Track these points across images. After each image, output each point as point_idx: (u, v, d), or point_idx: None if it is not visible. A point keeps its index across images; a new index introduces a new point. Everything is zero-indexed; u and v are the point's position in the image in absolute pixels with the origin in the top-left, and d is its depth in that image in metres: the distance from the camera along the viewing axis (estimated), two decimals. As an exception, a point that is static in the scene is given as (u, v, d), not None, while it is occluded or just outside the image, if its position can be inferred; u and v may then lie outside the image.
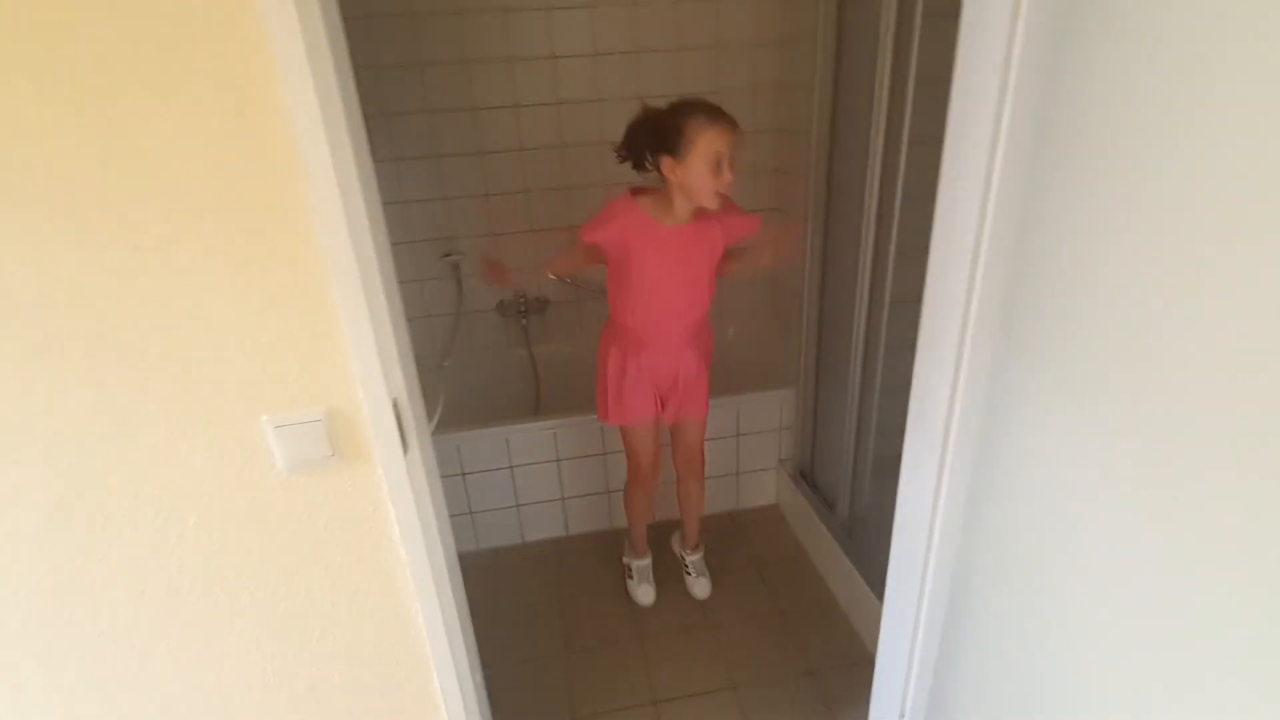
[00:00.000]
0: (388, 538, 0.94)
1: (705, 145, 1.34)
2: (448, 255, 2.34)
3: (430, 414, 1.40)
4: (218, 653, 0.95)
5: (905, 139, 1.46)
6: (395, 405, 0.87)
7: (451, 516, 2.12)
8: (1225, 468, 0.62)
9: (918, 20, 1.37)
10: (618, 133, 2.30)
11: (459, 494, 2.11)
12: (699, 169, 1.36)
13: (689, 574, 1.99)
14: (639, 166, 1.49)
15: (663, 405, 1.74)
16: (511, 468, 2.11)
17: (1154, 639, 0.73)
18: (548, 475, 2.15)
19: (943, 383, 1.01)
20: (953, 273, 0.95)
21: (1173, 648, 0.71)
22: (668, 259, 1.54)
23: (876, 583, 1.68)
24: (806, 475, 2.16)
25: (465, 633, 1.09)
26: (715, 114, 1.35)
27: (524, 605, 2.00)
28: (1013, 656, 1.00)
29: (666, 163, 1.41)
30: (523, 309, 2.48)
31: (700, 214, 1.50)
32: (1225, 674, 0.65)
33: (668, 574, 2.05)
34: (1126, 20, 0.66)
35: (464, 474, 2.08)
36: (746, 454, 2.25)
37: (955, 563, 1.11)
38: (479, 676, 1.18)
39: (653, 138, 1.41)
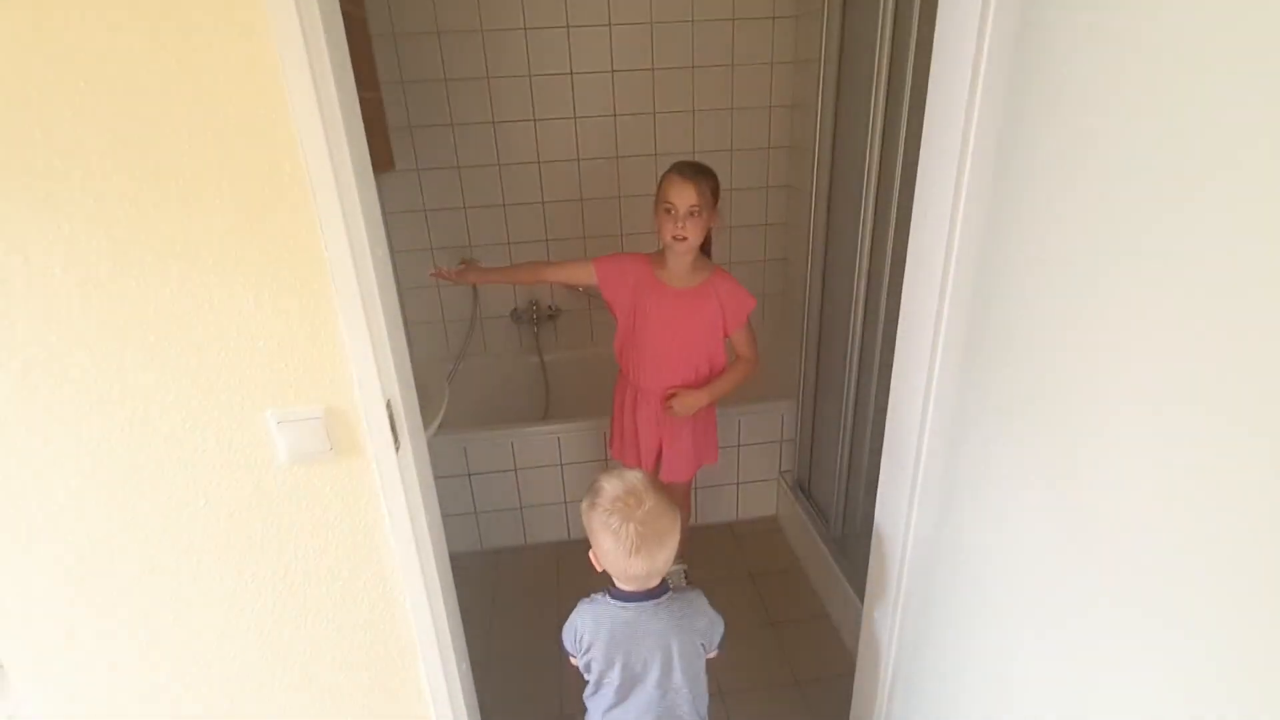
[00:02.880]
0: (379, 528, 1.01)
1: (662, 194, 1.56)
2: (464, 262, 2.43)
3: (432, 415, 1.48)
4: (220, 628, 1.03)
5: (900, 161, 1.50)
6: (389, 405, 0.94)
7: (455, 516, 2.21)
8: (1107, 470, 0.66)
9: (911, 46, 1.41)
10: (631, 148, 2.39)
11: (464, 494, 2.18)
12: (658, 213, 1.57)
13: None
14: None
15: (657, 457, 1.84)
16: (516, 470, 2.18)
17: (1068, 649, 0.77)
18: (551, 479, 2.21)
19: (913, 406, 1.05)
20: (923, 296, 0.99)
21: (1086, 651, 0.74)
22: (664, 314, 1.66)
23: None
24: (804, 488, 2.19)
25: (453, 624, 1.15)
26: (681, 169, 1.54)
27: (521, 606, 2.06)
28: (967, 676, 1.03)
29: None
30: (535, 316, 2.56)
31: (704, 283, 1.65)
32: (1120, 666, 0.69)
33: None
34: (1070, 91, 0.71)
35: (470, 474, 2.16)
36: (747, 465, 2.29)
37: (926, 580, 1.14)
38: (465, 667, 1.24)
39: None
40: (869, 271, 1.69)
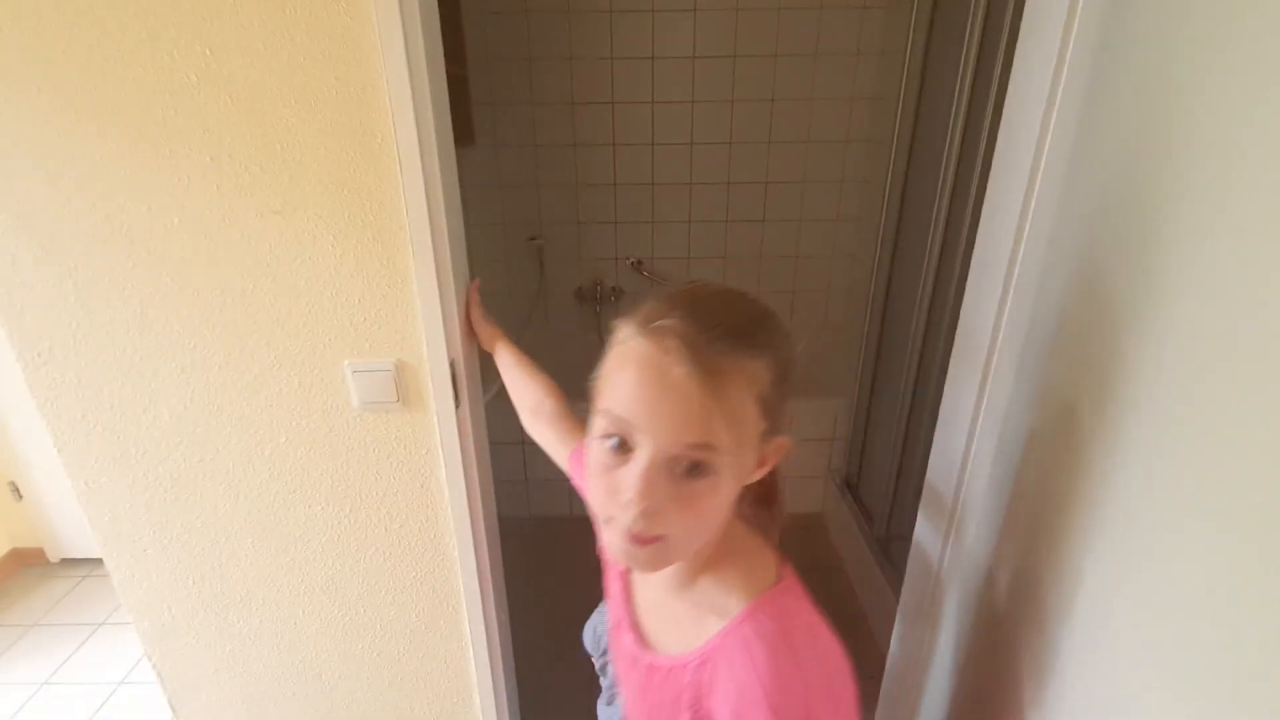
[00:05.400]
0: (435, 478, 1.08)
1: (608, 389, 0.53)
2: (533, 239, 2.51)
3: (492, 380, 1.55)
4: (290, 555, 1.13)
5: (979, 162, 1.46)
6: (452, 365, 1.01)
7: (507, 481, 2.30)
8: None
9: (1003, 41, 1.36)
10: (708, 134, 2.39)
11: (517, 461, 2.27)
12: (591, 450, 0.55)
13: None
14: None
15: None
16: (568, 442, 2.25)
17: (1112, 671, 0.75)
18: (601, 454, 2.27)
19: (964, 414, 1.03)
20: (984, 308, 0.97)
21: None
22: (622, 667, 0.79)
23: (903, 602, 1.68)
24: (852, 487, 2.17)
25: (496, 576, 1.22)
26: (678, 330, 0.50)
27: (562, 572, 2.15)
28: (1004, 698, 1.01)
29: None
30: (598, 295, 2.61)
31: (699, 647, 0.61)
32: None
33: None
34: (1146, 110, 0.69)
35: (523, 443, 2.24)
36: (798, 458, 2.29)
37: (969, 594, 1.13)
38: (505, 618, 1.31)
39: None
40: (937, 273, 1.65)
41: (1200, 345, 0.61)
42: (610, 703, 1.12)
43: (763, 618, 0.56)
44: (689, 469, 0.50)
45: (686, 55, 2.30)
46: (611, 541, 0.53)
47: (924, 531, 1.21)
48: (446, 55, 0.91)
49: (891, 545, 1.91)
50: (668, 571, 0.60)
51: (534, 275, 2.60)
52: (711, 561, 0.60)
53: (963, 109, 1.49)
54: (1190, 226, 0.63)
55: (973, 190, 1.48)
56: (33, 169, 0.88)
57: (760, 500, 0.66)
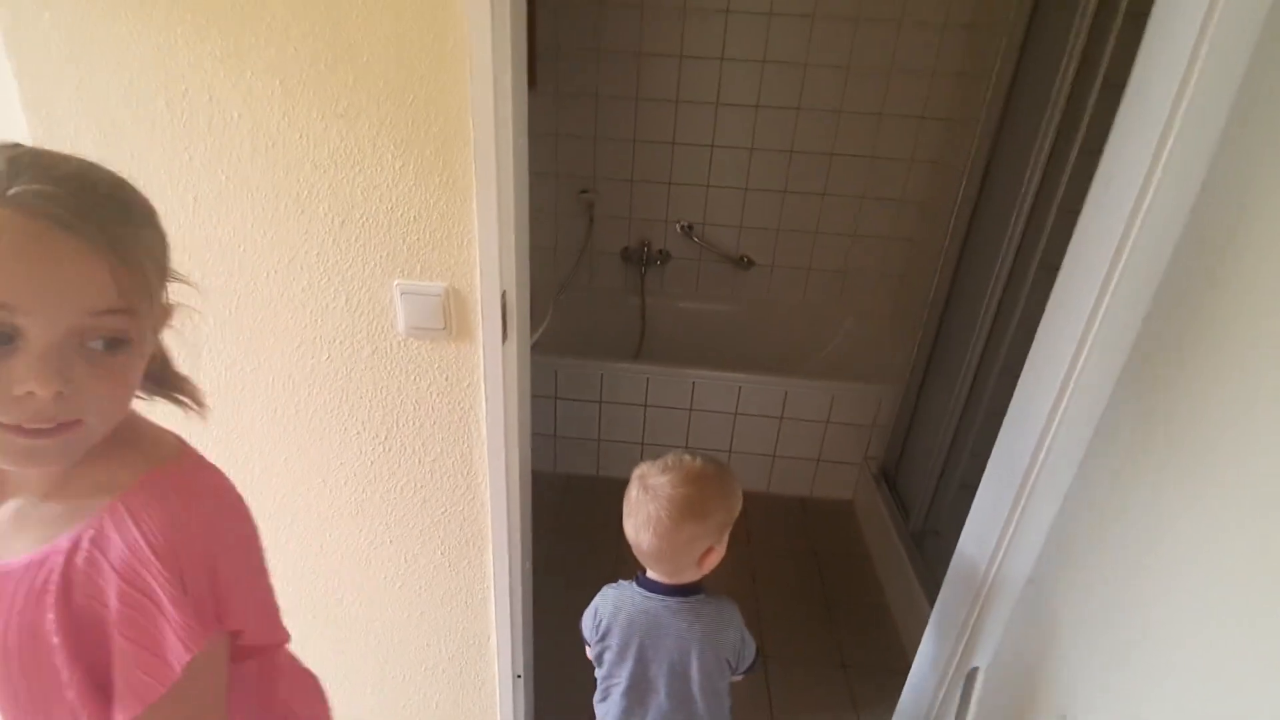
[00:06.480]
0: (474, 414, 1.05)
1: None
2: (584, 192, 2.45)
3: (537, 324, 1.51)
4: (322, 476, 1.11)
5: (1077, 145, 1.35)
6: (504, 296, 0.97)
7: (536, 435, 2.27)
8: None
9: (1117, 24, 1.25)
10: (776, 97, 2.29)
11: (548, 416, 2.25)
12: None
13: None
14: None
15: None
16: (601, 403, 2.22)
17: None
18: (633, 418, 2.24)
19: (1039, 415, 0.95)
20: (1082, 290, 0.89)
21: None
22: None
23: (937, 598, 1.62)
24: (889, 477, 2.09)
25: (524, 521, 1.19)
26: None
27: (584, 532, 2.12)
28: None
29: None
30: (645, 257, 2.55)
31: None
32: None
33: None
34: None
35: (556, 398, 2.21)
36: (832, 443, 2.22)
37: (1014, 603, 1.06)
38: (528, 566, 1.28)
39: None
40: (1012, 269, 1.55)
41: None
42: (605, 699, 1.05)
43: (160, 479, 0.53)
44: (108, 344, 0.46)
45: (763, 11, 2.19)
46: None
47: (972, 538, 1.14)
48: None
49: (926, 540, 1.84)
50: (41, 471, 0.51)
51: (582, 230, 2.55)
52: (104, 445, 0.51)
53: (1064, 92, 1.38)
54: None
55: (1064, 181, 1.37)
56: (98, 49, 0.85)
57: (152, 376, 0.57)
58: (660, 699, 1.01)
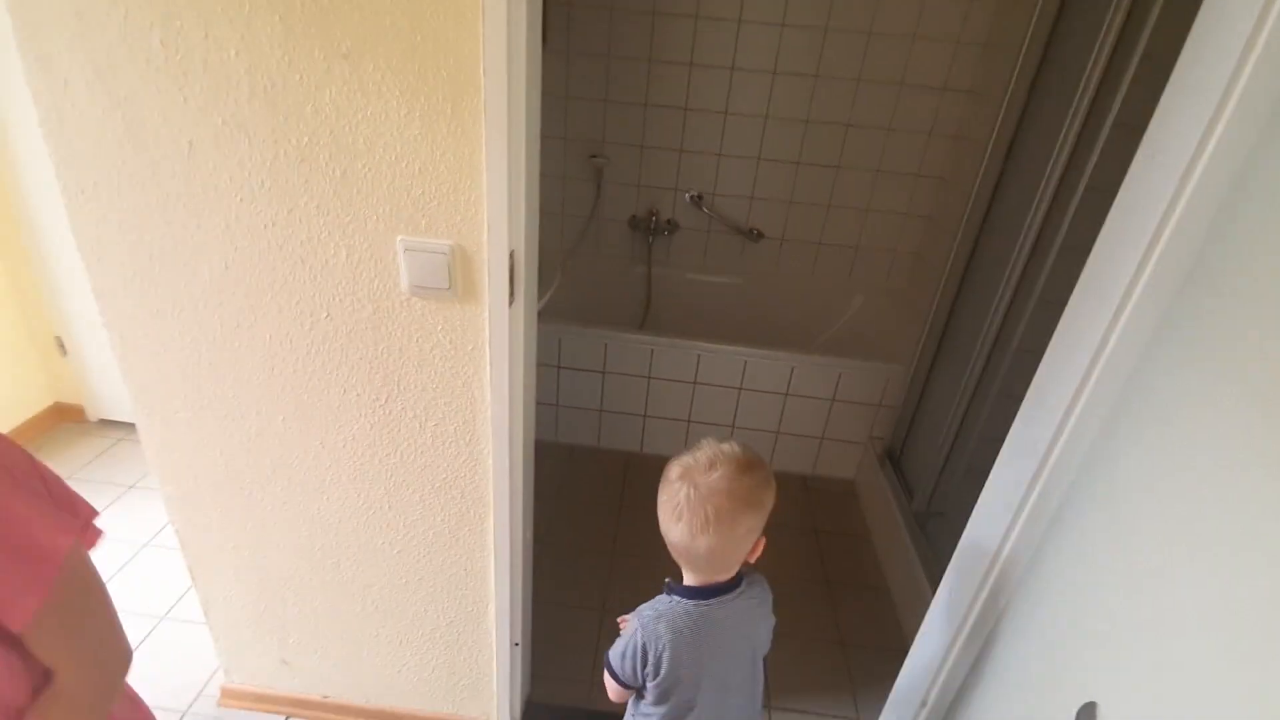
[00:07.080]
0: (479, 378, 1.01)
1: None
2: (594, 156, 2.39)
3: (544, 289, 1.47)
4: (320, 439, 1.09)
5: (1110, 119, 1.29)
6: (512, 256, 0.92)
7: (539, 404, 2.25)
8: None
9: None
10: (794, 63, 2.21)
11: (551, 385, 2.22)
12: None
13: None
14: None
15: None
16: (604, 373, 2.19)
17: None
18: (637, 389, 2.21)
19: (1064, 394, 0.92)
20: (1119, 263, 0.85)
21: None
22: None
23: (938, 580, 1.61)
24: (893, 458, 2.07)
25: (526, 488, 1.17)
26: None
27: (585, 501, 2.11)
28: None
29: None
30: (652, 226, 2.50)
31: None
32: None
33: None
34: None
35: (559, 367, 2.18)
36: (836, 422, 2.19)
37: (1022, 574, 1.04)
38: (529, 535, 1.27)
39: None
40: (1033, 250, 1.50)
41: None
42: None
43: None
44: None
45: (783, -19, 2.11)
46: None
47: (982, 522, 1.11)
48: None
49: (930, 522, 1.82)
50: None
51: (589, 196, 2.49)
52: None
53: (1100, 64, 1.32)
54: None
55: (1093, 158, 1.32)
56: (85, -25, 0.79)
57: None
58: (733, 698, 0.96)
